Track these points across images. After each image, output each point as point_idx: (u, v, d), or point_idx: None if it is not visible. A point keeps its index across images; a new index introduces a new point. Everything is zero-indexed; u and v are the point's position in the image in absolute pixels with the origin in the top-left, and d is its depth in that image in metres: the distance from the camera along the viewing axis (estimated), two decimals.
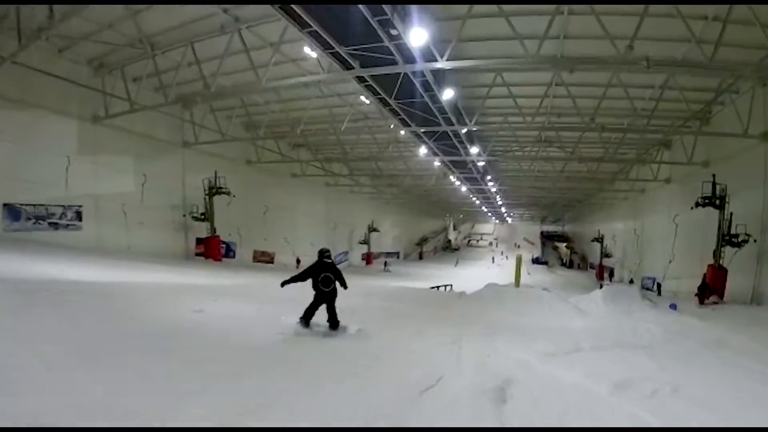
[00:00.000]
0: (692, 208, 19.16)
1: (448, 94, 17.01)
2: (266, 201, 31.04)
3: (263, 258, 31.05)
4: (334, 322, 7.67)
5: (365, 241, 44.06)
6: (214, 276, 16.71)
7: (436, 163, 29.03)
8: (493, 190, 39.86)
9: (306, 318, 7.53)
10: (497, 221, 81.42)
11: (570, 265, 58.45)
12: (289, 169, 33.11)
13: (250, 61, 15.55)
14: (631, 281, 29.57)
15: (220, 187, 24.86)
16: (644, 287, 29.40)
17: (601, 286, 31.82)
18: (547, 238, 75.00)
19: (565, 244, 68.84)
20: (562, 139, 24.88)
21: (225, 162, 26.25)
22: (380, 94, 17.90)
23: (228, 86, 18.83)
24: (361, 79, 16.82)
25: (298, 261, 30.95)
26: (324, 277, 7.59)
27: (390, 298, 13.60)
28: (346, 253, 42.00)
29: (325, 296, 7.61)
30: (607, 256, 38.79)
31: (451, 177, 33.62)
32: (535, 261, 61.34)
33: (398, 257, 55.57)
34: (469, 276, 38.38)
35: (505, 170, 34.19)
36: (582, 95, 18.83)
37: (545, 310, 12.38)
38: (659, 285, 25.35)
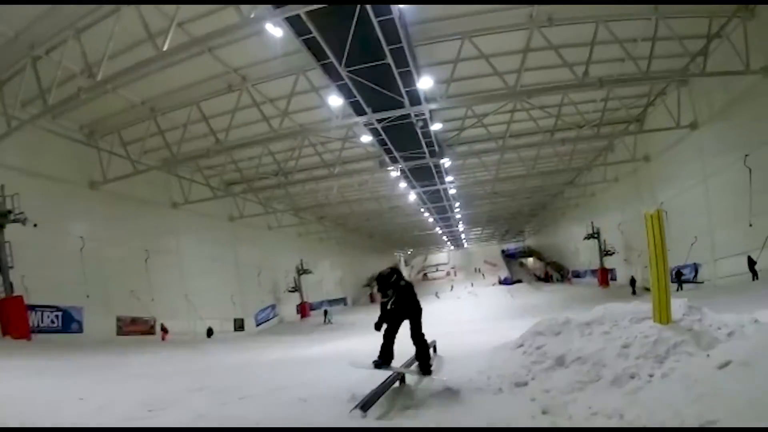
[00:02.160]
0: None
1: None
2: (144, 243, 20.86)
3: (134, 328, 20.40)
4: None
5: (296, 288, 33.52)
6: None
7: (365, 137, 19.52)
8: (452, 191, 31.00)
9: None
10: (452, 247, 73.48)
11: (547, 279, 50.16)
12: (167, 197, 23.12)
13: None
14: (679, 273, 20.69)
15: (9, 211, 14.40)
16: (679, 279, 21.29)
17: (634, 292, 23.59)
18: (510, 257, 67.50)
19: (531, 259, 61.27)
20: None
21: (51, 183, 16.73)
22: None
23: None
24: None
25: (165, 331, 20.65)
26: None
27: None
28: (273, 307, 31.60)
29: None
30: (608, 254, 30.19)
31: (393, 172, 24.06)
32: (504, 281, 53.19)
33: (345, 304, 45.33)
34: (445, 312, 28.70)
35: (468, 163, 25.82)
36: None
37: None
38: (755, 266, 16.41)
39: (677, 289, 19.71)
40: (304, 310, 33.17)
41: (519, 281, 51.34)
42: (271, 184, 25.01)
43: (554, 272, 49.10)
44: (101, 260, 18.58)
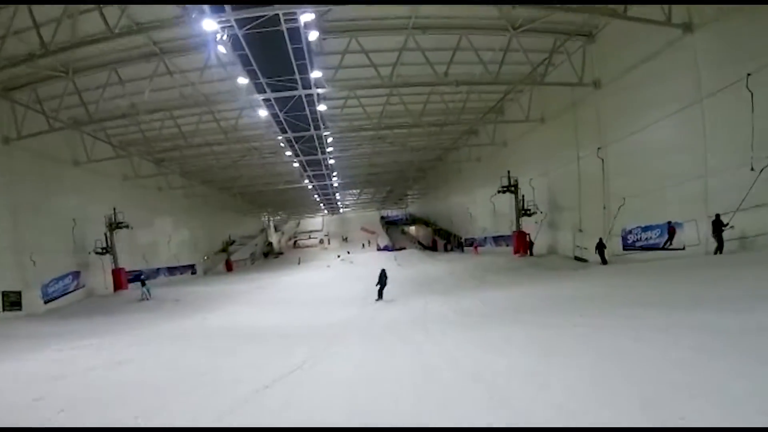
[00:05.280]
0: None
1: None
2: None
3: None
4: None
5: (106, 249, 23.90)
6: None
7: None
8: (329, 140, 23.32)
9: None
10: (326, 212, 66.86)
11: (435, 248, 45.31)
12: None
13: None
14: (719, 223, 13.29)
15: None
16: (627, 245, 16.66)
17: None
18: (391, 224, 62.51)
19: (414, 227, 56.70)
20: None
21: None
22: None
23: None
24: None
25: None
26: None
27: None
28: (76, 275, 22.03)
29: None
30: (527, 213, 23.79)
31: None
32: (385, 249, 48.20)
33: (193, 272, 36.15)
34: (303, 288, 21.74)
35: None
36: None
37: None
38: None
39: (716, 251, 12.98)
40: (118, 279, 23.60)
41: (402, 248, 46.09)
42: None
43: (442, 240, 44.32)
44: None
